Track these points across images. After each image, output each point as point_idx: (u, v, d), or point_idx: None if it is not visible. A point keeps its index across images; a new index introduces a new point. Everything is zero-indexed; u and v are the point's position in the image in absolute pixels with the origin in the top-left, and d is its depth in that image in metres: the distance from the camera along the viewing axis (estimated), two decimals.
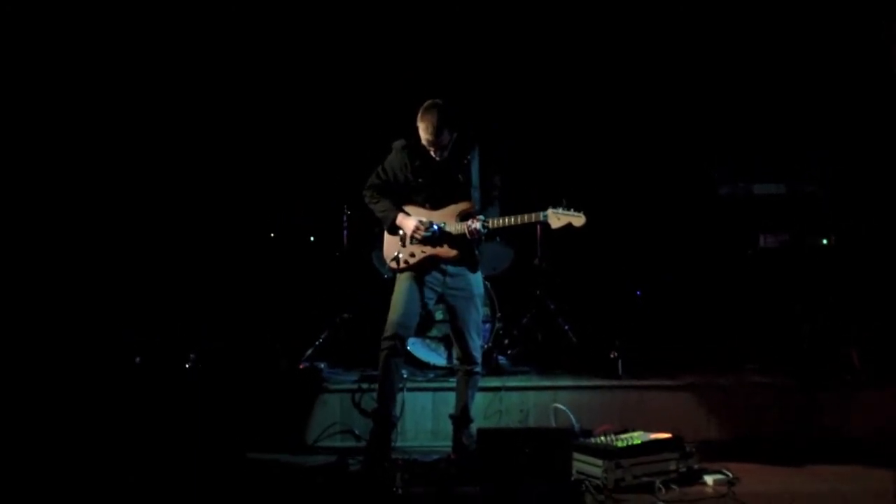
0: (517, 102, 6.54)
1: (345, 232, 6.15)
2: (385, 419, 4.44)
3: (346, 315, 5.93)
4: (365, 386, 5.06)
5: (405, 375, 5.18)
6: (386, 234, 4.65)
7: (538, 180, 5.75)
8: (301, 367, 5.44)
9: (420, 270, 4.50)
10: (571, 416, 4.78)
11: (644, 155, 6.60)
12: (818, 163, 5.95)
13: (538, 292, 6.00)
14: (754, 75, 6.44)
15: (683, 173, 6.55)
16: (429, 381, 5.27)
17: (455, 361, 5.31)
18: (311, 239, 6.55)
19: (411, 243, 4.49)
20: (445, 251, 4.47)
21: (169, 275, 6.33)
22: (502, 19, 6.52)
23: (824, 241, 5.74)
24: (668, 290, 6.49)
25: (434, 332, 5.61)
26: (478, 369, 4.61)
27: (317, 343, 5.81)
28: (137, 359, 5.33)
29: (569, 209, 4.34)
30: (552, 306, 5.98)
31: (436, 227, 4.44)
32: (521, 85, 6.57)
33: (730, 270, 6.11)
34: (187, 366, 5.23)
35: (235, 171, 6.60)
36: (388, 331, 4.42)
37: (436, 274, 4.51)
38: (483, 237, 4.44)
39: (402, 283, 4.51)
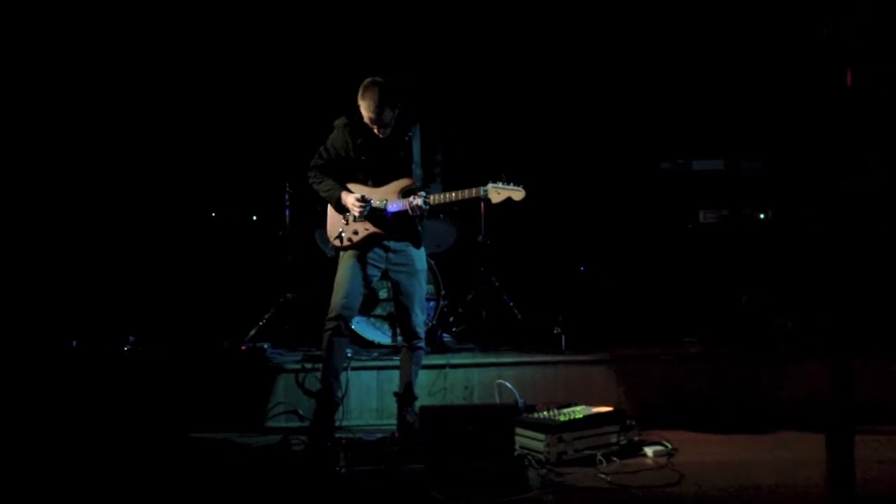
0: (459, 80, 6.51)
1: (287, 211, 6.08)
2: (328, 399, 4.43)
3: (289, 295, 5.88)
4: (308, 366, 5.03)
5: (349, 354, 5.17)
6: (329, 213, 4.63)
7: (480, 157, 5.74)
8: (243, 347, 5.37)
9: (363, 248, 4.49)
10: (516, 393, 4.81)
11: (585, 131, 6.64)
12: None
13: (482, 269, 6.01)
14: (693, 51, 6.51)
15: (624, 149, 6.60)
16: (373, 359, 5.25)
17: (399, 339, 5.34)
18: (254, 218, 6.46)
19: (354, 221, 4.47)
20: (388, 228, 4.47)
21: (106, 255, 6.20)
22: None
23: (762, 216, 5.85)
24: (610, 266, 6.55)
25: (378, 311, 5.60)
26: (421, 345, 4.62)
27: (260, 323, 5.75)
28: (74, 342, 5.23)
29: (508, 183, 4.36)
30: (496, 283, 6.00)
31: (371, 201, 4.43)
32: (462, 62, 6.55)
33: (670, 245, 6.20)
34: (126, 349, 5.15)
35: (176, 151, 6.48)
36: (332, 311, 4.40)
37: (378, 251, 4.51)
38: (425, 213, 4.45)
39: (346, 262, 4.49)
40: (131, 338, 5.25)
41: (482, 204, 5.93)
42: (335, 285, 4.47)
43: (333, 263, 5.83)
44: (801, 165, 5.80)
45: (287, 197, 6.07)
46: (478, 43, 6.58)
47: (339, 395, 4.55)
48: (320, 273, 5.95)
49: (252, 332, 5.69)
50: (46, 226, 6.09)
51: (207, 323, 5.83)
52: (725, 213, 5.93)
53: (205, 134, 6.50)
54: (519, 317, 5.90)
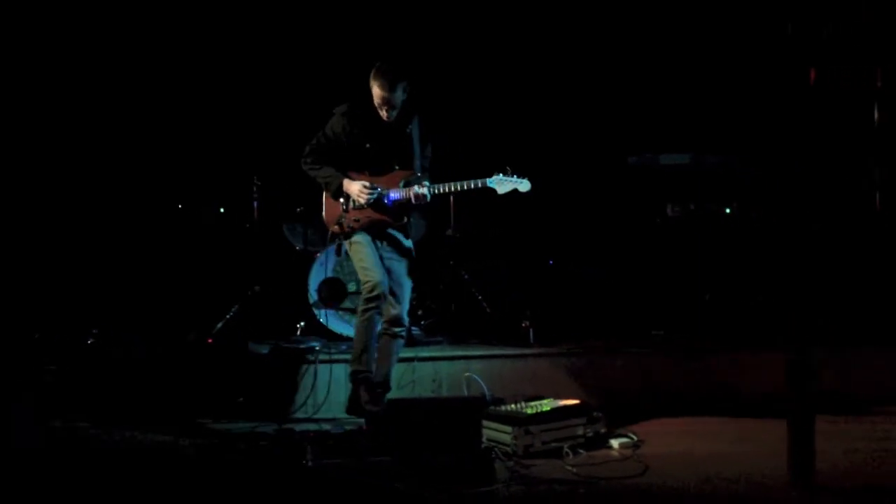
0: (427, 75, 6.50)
1: (255, 203, 6.05)
2: (371, 379, 4.47)
3: (256, 288, 5.84)
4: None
5: (317, 347, 5.18)
6: (326, 201, 4.65)
7: (460, 151, 5.76)
8: (210, 340, 5.35)
9: (365, 232, 4.55)
10: (483, 386, 4.82)
11: (554, 126, 6.66)
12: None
13: (452, 263, 6.02)
14: (659, 46, 6.55)
15: (592, 144, 6.63)
16: (342, 353, 5.23)
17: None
18: (221, 210, 6.41)
19: (355, 208, 4.50)
20: (387, 216, 4.53)
21: (70, 248, 6.13)
22: None
23: (727, 210, 5.92)
24: (578, 260, 6.59)
25: (347, 304, 5.59)
26: (403, 333, 4.66)
27: (227, 316, 5.71)
28: (36, 335, 5.17)
29: (512, 176, 4.42)
30: (466, 277, 6.01)
31: (378, 188, 4.48)
32: (434, 57, 6.53)
33: (638, 239, 6.25)
34: (89, 342, 5.10)
35: (141, 142, 6.40)
36: (374, 290, 4.41)
37: (375, 239, 4.57)
38: (428, 202, 4.48)
39: (361, 244, 4.52)
40: (94, 330, 5.20)
41: (451, 198, 5.95)
42: (363, 268, 4.47)
43: (302, 256, 5.85)
44: (766, 162, 5.86)
45: (255, 189, 6.03)
46: (455, 38, 6.56)
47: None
48: (288, 266, 5.95)
49: (219, 325, 5.65)
50: (6, 218, 5.99)
51: (175, 315, 5.78)
52: (692, 206, 5.99)
53: (171, 125, 6.43)
54: (488, 310, 5.92)
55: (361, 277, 4.50)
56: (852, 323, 5.47)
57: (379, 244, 4.58)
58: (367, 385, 4.47)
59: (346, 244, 4.58)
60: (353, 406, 4.51)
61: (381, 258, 4.58)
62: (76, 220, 6.22)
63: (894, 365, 5.10)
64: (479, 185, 4.43)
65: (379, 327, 4.55)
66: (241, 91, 6.44)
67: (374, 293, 4.42)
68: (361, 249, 4.52)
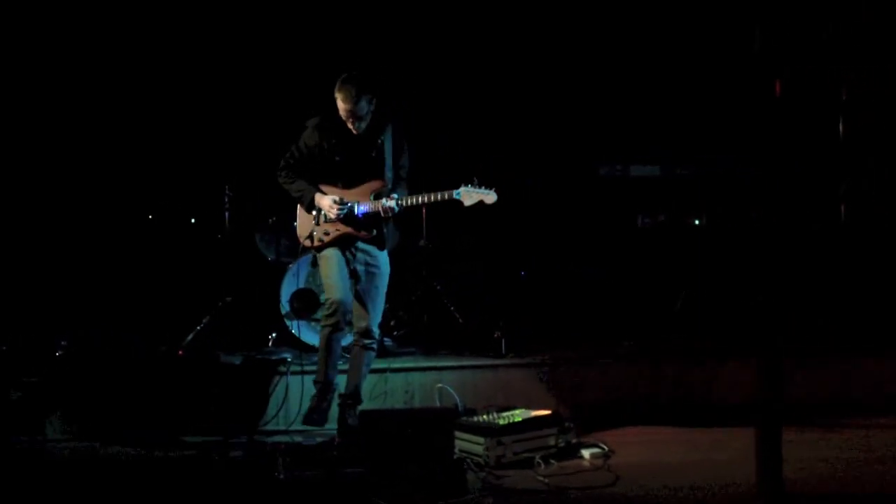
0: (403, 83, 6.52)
1: (226, 213, 6.01)
2: (329, 387, 4.53)
3: (228, 298, 5.80)
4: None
5: (289, 359, 5.14)
6: (300, 214, 4.67)
7: (431, 162, 5.77)
8: (180, 352, 5.29)
9: (336, 246, 4.56)
10: (456, 396, 4.82)
11: (526, 137, 6.68)
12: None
13: (424, 273, 6.02)
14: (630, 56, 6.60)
15: (564, 154, 6.66)
16: (313, 364, 5.19)
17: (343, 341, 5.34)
18: (192, 221, 6.37)
19: (326, 221, 4.52)
20: (358, 229, 4.54)
21: (39, 258, 6.05)
22: None
23: (697, 222, 5.97)
24: (550, 270, 6.61)
25: (318, 315, 5.56)
26: (374, 346, 4.67)
27: (198, 327, 5.66)
28: (4, 347, 5.10)
29: (480, 187, 4.45)
30: (438, 287, 6.01)
31: (349, 204, 4.49)
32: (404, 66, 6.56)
33: (609, 249, 6.28)
34: (58, 354, 5.03)
35: (113, 151, 6.35)
36: (331, 308, 4.45)
37: (347, 251, 4.58)
38: (395, 215, 4.52)
39: (330, 260, 4.54)
40: (63, 342, 5.14)
41: (424, 208, 5.95)
42: (327, 284, 4.52)
43: (274, 267, 5.82)
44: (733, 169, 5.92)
45: (226, 199, 5.99)
46: (428, 48, 6.57)
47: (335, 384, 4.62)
48: (260, 277, 5.91)
49: (190, 337, 5.59)
50: None
51: (145, 327, 5.72)
52: (662, 217, 6.04)
53: (141, 134, 6.38)
54: (460, 321, 5.91)
55: (325, 293, 4.54)
56: (852, 332, 5.52)
57: (350, 257, 4.59)
58: (319, 393, 4.54)
59: (318, 257, 4.59)
60: (308, 416, 4.56)
61: (354, 271, 4.59)
62: (44, 230, 6.14)
63: (893, 373, 5.15)
64: (446, 196, 4.46)
65: (345, 341, 4.64)
66: (213, 100, 6.40)
67: (331, 311, 4.46)
68: (328, 265, 4.54)
